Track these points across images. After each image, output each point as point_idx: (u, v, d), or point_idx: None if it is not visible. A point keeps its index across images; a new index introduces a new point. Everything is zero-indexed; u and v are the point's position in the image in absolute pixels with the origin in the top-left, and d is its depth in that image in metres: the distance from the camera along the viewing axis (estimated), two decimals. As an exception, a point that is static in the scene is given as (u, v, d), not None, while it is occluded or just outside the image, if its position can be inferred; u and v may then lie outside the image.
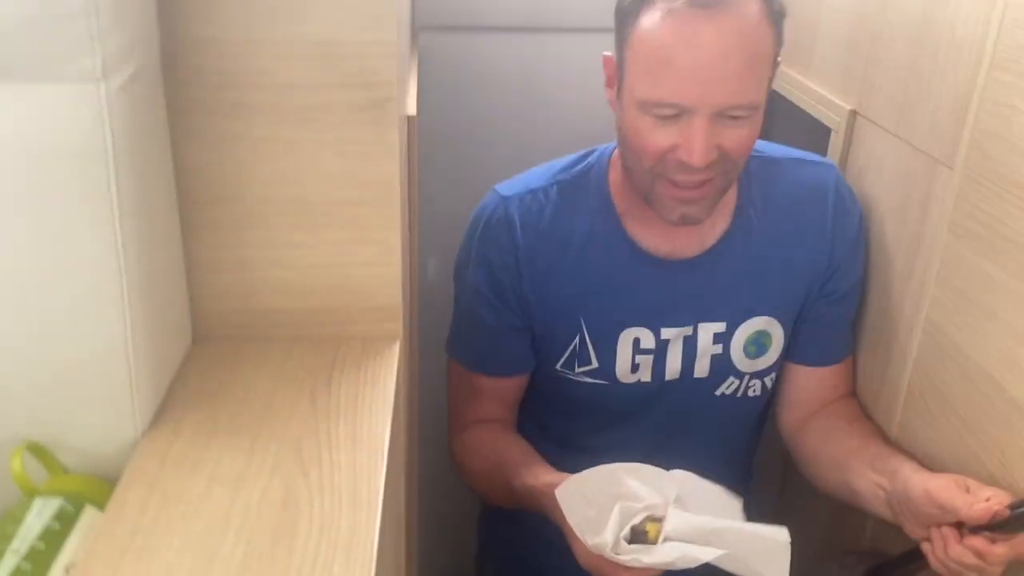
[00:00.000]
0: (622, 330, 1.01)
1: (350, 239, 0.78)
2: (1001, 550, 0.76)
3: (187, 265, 0.77)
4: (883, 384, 1.03)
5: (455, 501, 1.14)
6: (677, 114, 0.85)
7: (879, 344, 1.05)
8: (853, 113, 1.10)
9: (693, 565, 0.78)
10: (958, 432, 0.88)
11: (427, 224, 1.08)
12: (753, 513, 0.98)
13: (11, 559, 0.57)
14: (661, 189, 0.90)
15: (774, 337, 1.04)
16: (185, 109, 0.72)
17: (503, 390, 1.10)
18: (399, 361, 0.80)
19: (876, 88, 1.06)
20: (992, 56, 0.82)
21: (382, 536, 0.61)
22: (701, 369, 1.04)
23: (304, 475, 0.65)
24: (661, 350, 1.02)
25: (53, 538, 0.59)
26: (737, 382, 1.06)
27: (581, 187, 1.02)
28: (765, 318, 1.03)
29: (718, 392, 1.06)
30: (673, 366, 1.03)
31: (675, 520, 0.81)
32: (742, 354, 1.04)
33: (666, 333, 1.01)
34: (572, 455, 0.91)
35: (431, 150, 1.38)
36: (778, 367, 1.08)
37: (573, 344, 1.02)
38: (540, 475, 0.94)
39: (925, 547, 0.83)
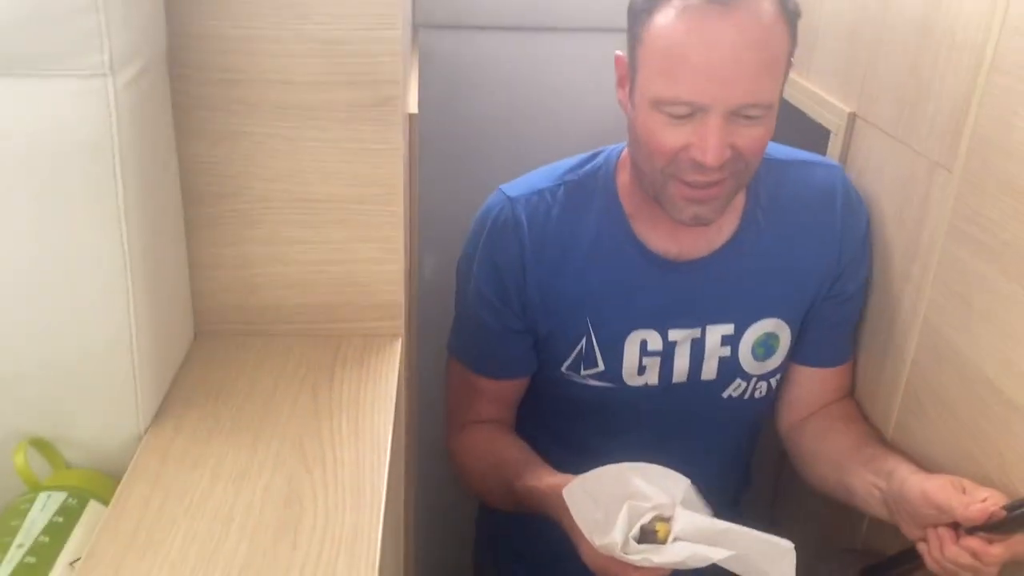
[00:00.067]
0: (629, 332, 1.00)
1: (352, 237, 0.79)
2: (997, 551, 0.76)
3: (189, 260, 0.77)
4: (880, 385, 1.04)
5: (453, 497, 1.14)
6: (691, 113, 0.84)
7: (876, 345, 1.05)
8: (852, 116, 1.11)
9: (703, 564, 0.78)
10: (955, 433, 0.88)
11: (425, 221, 1.07)
12: (749, 514, 0.99)
13: (15, 554, 0.57)
14: (673, 190, 0.89)
15: (782, 339, 1.04)
16: (189, 105, 0.72)
17: (503, 391, 1.09)
18: (400, 358, 0.81)
19: (876, 91, 1.06)
20: (992, 61, 0.82)
21: (384, 533, 0.61)
22: (709, 371, 1.03)
23: (307, 471, 0.65)
24: (668, 352, 1.02)
25: (57, 533, 0.59)
26: (744, 384, 1.05)
27: (589, 188, 1.01)
28: (774, 320, 1.03)
29: (725, 394, 1.06)
30: (680, 368, 1.03)
31: (683, 520, 0.80)
32: (750, 356, 1.04)
33: (674, 335, 1.01)
34: (576, 456, 0.90)
35: (430, 147, 1.38)
36: (784, 368, 1.08)
37: (579, 346, 1.02)
38: (543, 476, 0.94)
39: (921, 547, 0.84)
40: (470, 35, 1.38)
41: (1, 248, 0.60)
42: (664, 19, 0.83)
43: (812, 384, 1.08)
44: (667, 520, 0.80)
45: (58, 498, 0.62)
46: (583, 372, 1.03)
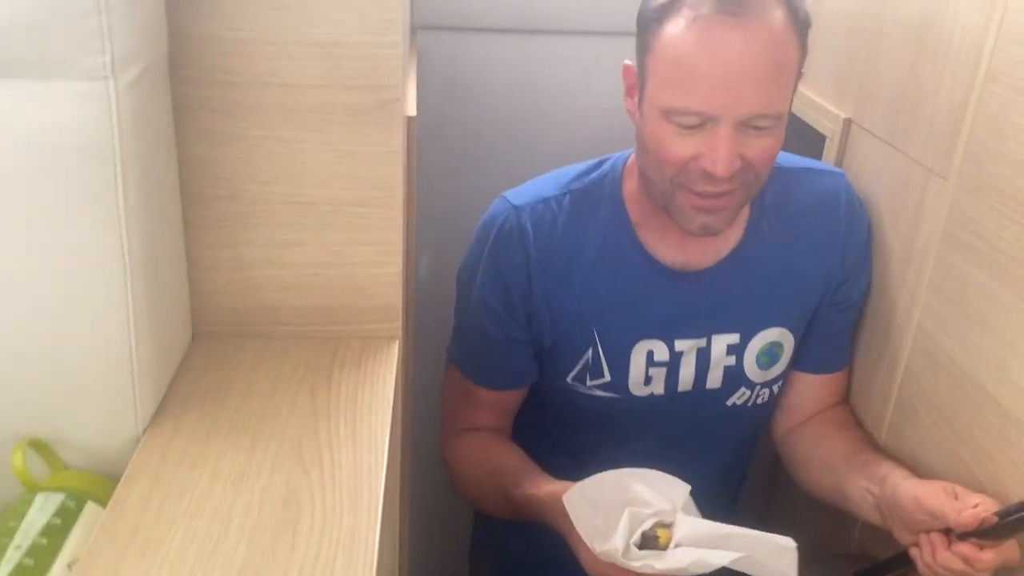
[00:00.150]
0: (636, 343, 1.00)
1: (351, 239, 0.79)
2: (989, 556, 0.77)
3: (189, 261, 0.78)
4: (873, 390, 1.05)
5: (449, 499, 1.13)
6: (701, 123, 0.84)
7: (870, 350, 1.06)
8: (848, 121, 1.11)
9: (706, 570, 0.77)
10: (947, 439, 0.89)
11: (421, 222, 1.07)
12: (743, 517, 0.99)
13: (13, 555, 0.57)
14: (682, 199, 0.89)
15: (786, 347, 1.04)
16: (188, 107, 0.72)
17: (502, 401, 1.08)
18: (397, 361, 0.81)
19: (871, 97, 1.07)
20: (988, 69, 0.83)
21: (381, 535, 0.62)
22: (714, 380, 1.03)
23: (305, 473, 0.66)
24: (675, 362, 1.01)
25: (55, 534, 0.59)
26: (748, 392, 1.05)
27: (595, 196, 0.99)
28: (779, 329, 1.03)
29: (729, 402, 1.06)
30: (686, 378, 1.03)
31: (685, 525, 0.80)
32: (754, 365, 1.04)
33: (680, 345, 1.00)
34: (578, 463, 0.89)
35: (427, 149, 1.38)
36: (786, 375, 1.08)
37: (586, 357, 1.01)
38: (541, 484, 0.93)
39: (913, 552, 0.84)
40: (468, 37, 1.38)
41: (1, 249, 0.60)
42: (675, 29, 0.83)
43: (810, 390, 1.08)
44: (668, 526, 0.80)
45: (56, 499, 0.62)
46: (589, 383, 1.02)
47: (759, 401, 1.07)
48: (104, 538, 0.58)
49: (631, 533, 0.79)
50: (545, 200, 0.99)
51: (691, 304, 0.99)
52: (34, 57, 0.56)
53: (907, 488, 0.85)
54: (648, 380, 1.01)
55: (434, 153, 1.38)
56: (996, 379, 0.82)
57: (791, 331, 1.03)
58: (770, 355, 1.04)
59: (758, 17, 0.81)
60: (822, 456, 1.04)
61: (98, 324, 0.64)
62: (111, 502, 0.61)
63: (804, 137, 1.20)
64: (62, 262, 0.62)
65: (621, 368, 1.01)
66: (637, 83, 0.91)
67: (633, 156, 0.99)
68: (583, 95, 1.42)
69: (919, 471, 0.92)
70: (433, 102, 1.35)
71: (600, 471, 0.84)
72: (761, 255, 1.00)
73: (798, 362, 1.07)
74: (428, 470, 1.24)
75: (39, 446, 0.66)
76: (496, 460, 1.03)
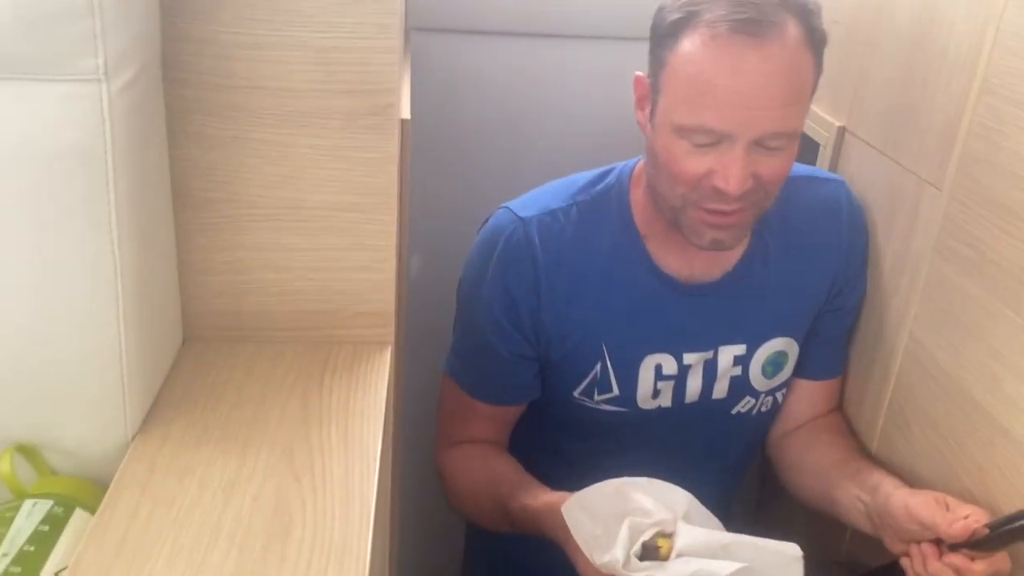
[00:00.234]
0: (644, 357, 0.99)
1: (345, 244, 0.78)
2: (980, 568, 0.77)
3: (180, 265, 0.77)
4: (865, 398, 1.05)
5: (441, 507, 1.13)
6: (715, 142, 0.83)
7: (862, 359, 1.06)
8: (842, 130, 1.11)
9: None
10: (938, 449, 0.89)
11: (413, 227, 1.06)
12: (732, 525, 0.99)
13: (0, 562, 0.56)
14: (693, 215, 0.88)
15: (790, 355, 1.04)
16: (183, 109, 0.72)
17: (501, 415, 1.07)
18: (390, 367, 0.80)
19: (866, 106, 1.07)
20: (983, 81, 0.83)
21: (373, 545, 0.61)
22: (720, 391, 1.03)
23: (296, 481, 0.65)
24: (682, 375, 1.01)
25: (43, 542, 0.58)
26: (753, 401, 1.05)
27: (602, 207, 0.97)
28: (784, 338, 1.03)
29: (734, 411, 1.05)
30: (693, 389, 1.02)
31: (686, 535, 0.77)
32: (760, 374, 1.03)
33: (688, 358, 1.00)
34: (578, 474, 0.87)
35: (420, 152, 1.37)
36: (789, 382, 1.08)
37: (594, 372, 0.99)
38: (538, 495, 0.92)
39: (904, 562, 0.84)
40: (463, 39, 1.37)
41: (-10, 252, 0.60)
42: (691, 46, 0.82)
43: (804, 396, 1.09)
44: (669, 536, 0.78)
45: (44, 506, 0.61)
46: (597, 397, 1.01)
47: (763, 409, 1.07)
48: (92, 546, 0.58)
49: (631, 543, 0.77)
50: (552, 212, 0.97)
51: (699, 317, 0.99)
52: (25, 59, 0.56)
53: (898, 498, 0.85)
54: (656, 394, 1.01)
55: (427, 156, 1.37)
56: (987, 390, 0.82)
57: (795, 339, 1.04)
58: (775, 364, 1.04)
59: (776, 37, 0.81)
60: (814, 462, 1.04)
61: (87, 327, 0.63)
62: (99, 510, 0.60)
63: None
64: (52, 265, 0.61)
65: (630, 382, 1.00)
66: (649, 95, 0.90)
67: (639, 165, 0.99)
68: (579, 99, 1.42)
69: (909, 480, 0.92)
70: (427, 104, 1.34)
71: (598, 481, 0.83)
72: (766, 265, 1.00)
73: (794, 368, 1.07)
74: (419, 477, 1.23)
75: (27, 451, 0.65)
76: (492, 471, 1.02)
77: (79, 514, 0.61)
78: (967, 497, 0.83)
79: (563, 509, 0.81)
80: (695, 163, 0.85)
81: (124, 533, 0.59)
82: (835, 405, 1.10)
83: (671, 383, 1.00)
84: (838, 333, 1.06)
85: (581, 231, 0.97)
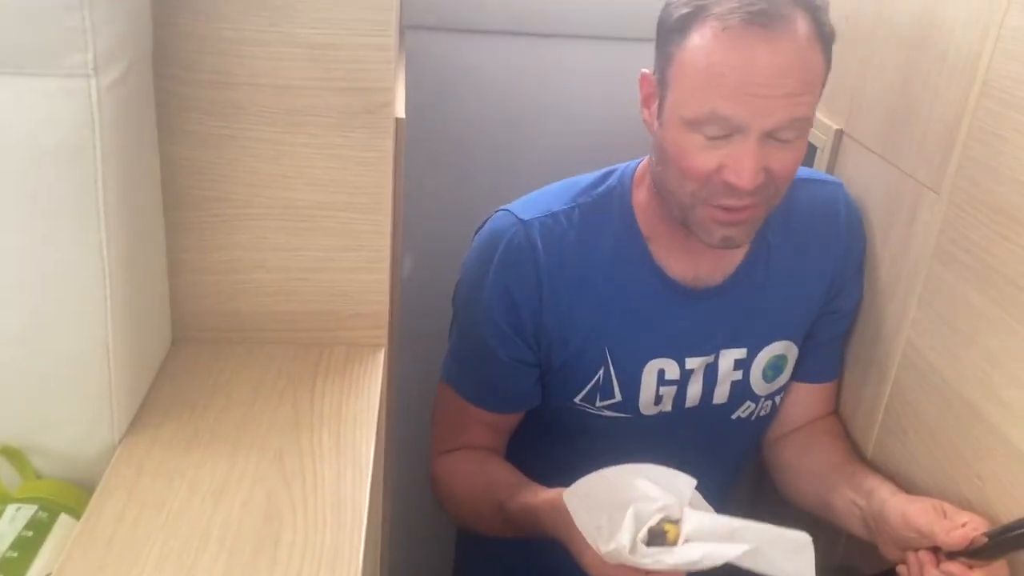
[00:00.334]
0: (647, 362, 0.97)
1: (338, 244, 0.77)
2: None
3: (171, 265, 0.76)
4: (861, 403, 1.04)
5: (433, 512, 1.11)
6: (726, 135, 0.83)
7: (859, 363, 1.06)
8: (839, 132, 1.11)
9: (718, 563, 0.74)
10: (934, 455, 0.89)
11: (407, 227, 1.04)
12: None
13: (-18, 569, 0.55)
14: (703, 213, 0.87)
15: (790, 359, 1.04)
16: (174, 106, 0.71)
17: (500, 423, 1.04)
18: (383, 369, 0.79)
19: (864, 109, 1.06)
20: (983, 85, 0.82)
21: (365, 551, 0.60)
22: (720, 395, 1.02)
23: (287, 486, 0.64)
24: (684, 380, 1.00)
25: (26, 547, 0.57)
26: (753, 405, 1.04)
27: (604, 209, 0.96)
28: (784, 342, 1.02)
29: (734, 416, 1.04)
30: (694, 394, 1.01)
31: (693, 520, 0.75)
32: (760, 378, 1.03)
33: (690, 363, 0.99)
34: (575, 479, 0.87)
35: (414, 151, 1.36)
36: (788, 386, 1.07)
37: (596, 377, 0.98)
38: (538, 493, 0.89)
39: (901, 570, 0.84)
40: (458, 38, 1.36)
41: (-26, 250, 0.59)
42: (701, 39, 0.81)
43: (800, 399, 1.08)
44: (675, 522, 0.76)
45: (28, 511, 0.60)
46: (599, 403, 0.99)
47: (762, 413, 1.06)
48: (78, 552, 0.56)
49: (637, 530, 0.75)
50: (554, 214, 0.96)
51: (701, 321, 0.98)
52: (13, 53, 0.54)
53: (895, 504, 0.85)
54: (658, 399, 1.00)
55: (421, 156, 1.36)
56: (984, 396, 0.81)
57: (794, 342, 1.03)
58: (775, 368, 1.03)
59: (786, 30, 0.80)
60: (809, 465, 1.04)
61: (74, 327, 0.62)
62: (85, 514, 0.59)
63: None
64: (38, 264, 0.60)
65: (632, 388, 0.98)
66: (656, 92, 0.89)
67: (641, 166, 0.98)
68: (575, 99, 1.41)
69: (906, 486, 0.92)
70: (421, 103, 1.33)
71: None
72: (767, 268, 0.99)
73: (793, 372, 1.06)
74: (412, 482, 1.21)
75: (11, 454, 0.64)
76: (489, 475, 1.00)
77: (64, 519, 0.60)
78: (964, 504, 0.82)
79: (565, 497, 0.79)
80: (705, 158, 0.84)
81: (111, 538, 0.58)
82: (831, 408, 1.09)
83: (673, 388, 1.00)
84: (834, 336, 1.06)
85: (583, 233, 0.95)
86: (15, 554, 0.57)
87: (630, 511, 0.75)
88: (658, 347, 0.97)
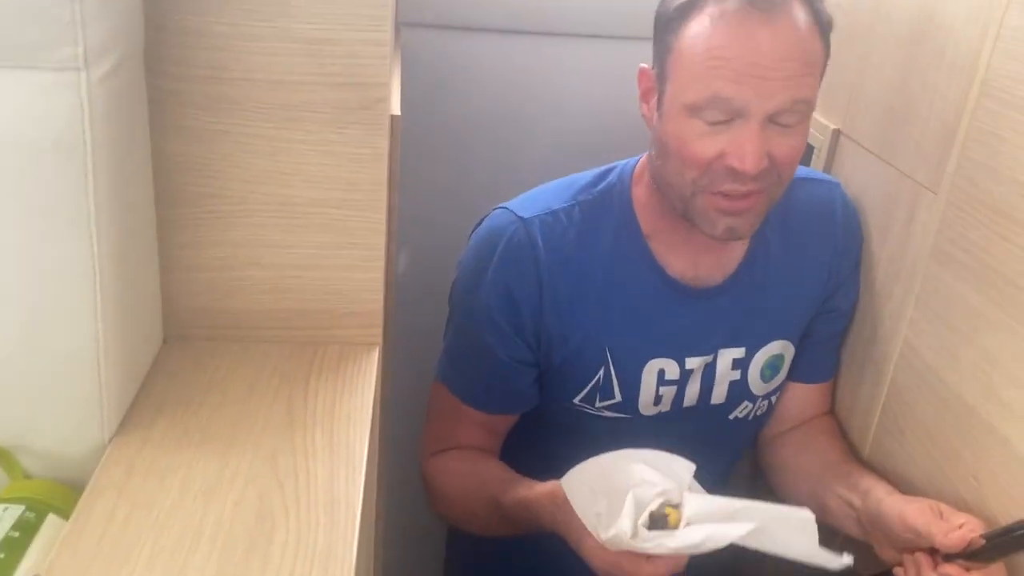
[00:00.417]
0: (647, 361, 0.97)
1: (333, 242, 0.76)
2: (974, 578, 0.77)
3: (164, 261, 0.75)
4: (858, 403, 1.04)
5: (426, 512, 1.11)
6: (727, 120, 0.82)
7: (855, 363, 1.05)
8: (837, 132, 1.11)
9: (722, 544, 0.72)
10: (931, 455, 0.89)
11: (401, 222, 1.04)
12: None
13: (-31, 569, 0.54)
14: (705, 202, 0.86)
15: (786, 358, 1.04)
16: (166, 101, 0.70)
17: (494, 424, 1.03)
18: (378, 368, 0.79)
19: (861, 108, 1.06)
20: (982, 84, 0.82)
21: (358, 551, 0.59)
22: (718, 396, 1.01)
23: (279, 485, 0.63)
24: (684, 380, 0.99)
25: (14, 548, 0.56)
26: (750, 405, 1.04)
27: (605, 207, 0.95)
28: (782, 342, 1.02)
29: (731, 416, 1.04)
30: (692, 393, 1.01)
31: (694, 503, 0.74)
32: (758, 378, 1.02)
33: (690, 363, 0.98)
34: None
35: (409, 148, 1.35)
36: (783, 385, 1.07)
37: (596, 377, 0.97)
38: (533, 486, 0.88)
39: (898, 572, 0.83)
40: (454, 35, 1.36)
41: (-37, 246, 0.58)
42: (700, 26, 0.82)
43: (796, 399, 1.08)
44: (676, 506, 0.74)
45: (15, 511, 0.59)
46: (598, 403, 0.99)
47: (758, 413, 1.06)
48: (66, 553, 0.55)
49: (638, 515, 0.74)
50: (554, 212, 0.95)
51: (701, 321, 0.97)
52: (1, 46, 0.53)
53: (891, 504, 0.84)
54: (658, 399, 0.99)
55: (417, 153, 1.35)
56: (983, 396, 0.81)
57: (792, 342, 1.03)
58: (773, 368, 1.03)
59: (785, 13, 0.81)
60: (805, 465, 1.03)
61: (64, 325, 0.61)
62: (74, 514, 0.58)
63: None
64: (27, 260, 0.59)
65: (632, 388, 0.98)
66: (655, 87, 0.89)
67: (639, 164, 0.97)
68: (571, 98, 1.41)
69: (902, 487, 0.91)
70: (417, 101, 1.33)
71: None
72: (766, 267, 0.99)
73: (790, 372, 1.06)
74: (406, 481, 1.21)
75: (-1, 453, 0.63)
76: (483, 473, 0.99)
77: (52, 519, 0.59)
78: (961, 505, 0.82)
79: (563, 483, 0.78)
80: (707, 145, 0.83)
81: (100, 538, 0.57)
82: (827, 408, 1.09)
83: (673, 388, 0.99)
84: (830, 336, 1.05)
85: (584, 231, 0.94)
86: (2, 555, 0.56)
87: (629, 496, 0.74)
88: (658, 347, 0.97)
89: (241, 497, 0.62)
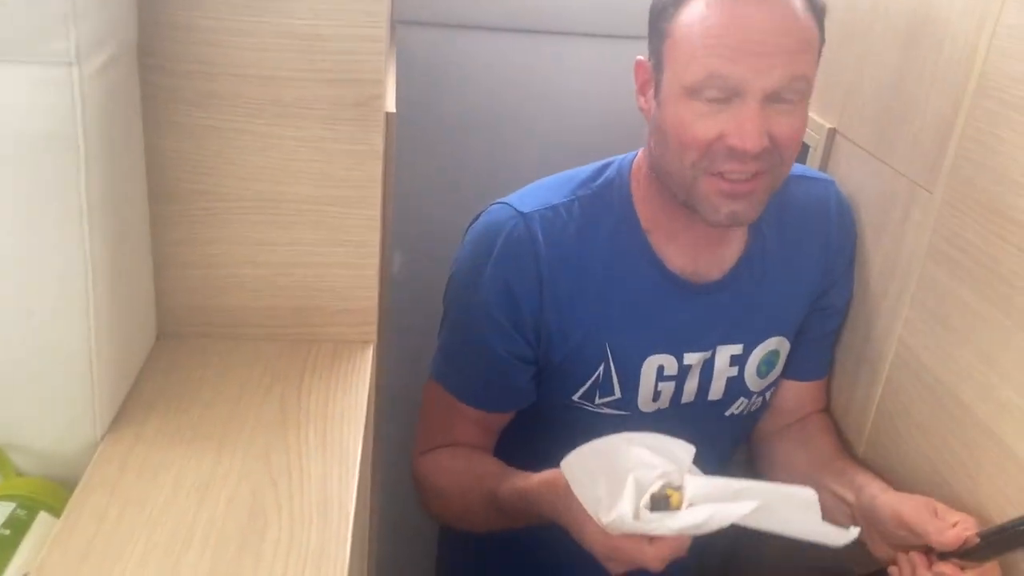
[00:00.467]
0: (646, 357, 0.96)
1: (327, 239, 0.76)
2: (969, 578, 0.77)
3: (155, 259, 0.74)
4: (853, 403, 1.04)
5: (420, 509, 1.10)
6: (727, 98, 0.82)
7: (850, 362, 1.05)
8: (832, 131, 1.10)
9: (726, 524, 0.71)
10: (926, 455, 0.89)
11: (395, 220, 1.03)
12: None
13: (-42, 567, 0.54)
14: (706, 186, 0.85)
15: (782, 354, 1.04)
16: (159, 97, 0.69)
17: (489, 422, 1.02)
18: (372, 366, 0.78)
19: (857, 107, 1.06)
20: (978, 83, 0.82)
21: (351, 550, 0.59)
22: (716, 392, 1.01)
23: (272, 483, 0.63)
24: (682, 376, 0.99)
25: (4, 546, 0.56)
26: (746, 401, 1.04)
27: (604, 202, 0.95)
28: (778, 338, 1.02)
29: (727, 413, 1.04)
30: (690, 389, 1.00)
31: (696, 485, 0.73)
32: (755, 374, 1.02)
33: (688, 359, 0.98)
34: None
35: (404, 146, 1.35)
36: (778, 381, 1.07)
37: (596, 374, 0.96)
38: (530, 476, 0.87)
39: (892, 571, 0.83)
40: (449, 33, 1.36)
41: (-47, 242, 0.57)
42: (695, 10, 0.83)
43: (790, 396, 1.08)
44: (677, 488, 0.73)
45: (5, 509, 0.58)
46: (598, 400, 0.98)
47: (753, 409, 1.06)
48: (57, 551, 0.55)
49: (639, 497, 0.72)
50: (554, 207, 0.94)
51: (700, 317, 0.97)
52: (-7, 39, 0.53)
53: (886, 502, 0.84)
54: (656, 395, 0.99)
55: (411, 151, 1.35)
56: (977, 395, 0.81)
57: (787, 338, 1.03)
58: (768, 364, 1.02)
59: None
60: (798, 461, 1.04)
61: (56, 322, 0.61)
62: (65, 512, 0.58)
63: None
64: (18, 256, 0.59)
65: (631, 384, 0.97)
66: (651, 77, 0.89)
67: (637, 159, 0.97)
68: (567, 97, 1.41)
69: (897, 485, 0.91)
70: (412, 99, 1.32)
71: None
72: (764, 263, 0.99)
73: (784, 369, 1.06)
74: (400, 480, 1.20)
75: (-10, 450, 0.63)
76: (477, 468, 0.98)
77: (43, 517, 0.59)
78: (956, 503, 0.82)
79: (562, 467, 0.76)
80: (706, 126, 0.83)
81: (92, 536, 0.57)
82: (822, 405, 1.09)
83: (671, 384, 0.98)
84: (825, 334, 1.05)
85: (584, 227, 0.94)
86: (-7, 552, 0.55)
87: (630, 479, 0.73)
88: (657, 342, 0.96)
89: (234, 495, 0.61)
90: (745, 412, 1.05)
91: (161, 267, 0.75)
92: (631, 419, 0.99)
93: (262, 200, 0.74)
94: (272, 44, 0.68)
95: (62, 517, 0.58)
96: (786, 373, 1.06)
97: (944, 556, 0.78)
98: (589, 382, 0.97)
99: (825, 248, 1.01)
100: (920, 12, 0.93)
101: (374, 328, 0.80)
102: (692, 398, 1.00)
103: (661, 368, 0.97)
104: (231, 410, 0.70)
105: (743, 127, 0.81)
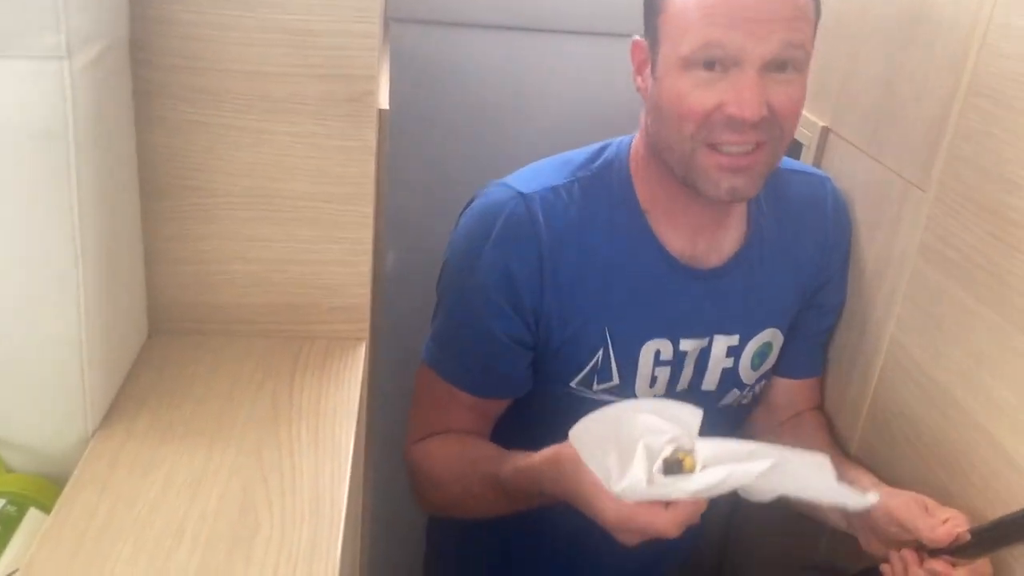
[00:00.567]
0: (645, 342, 0.94)
1: (319, 236, 0.76)
2: (961, 574, 0.76)
3: (146, 255, 0.74)
4: (846, 401, 1.04)
5: (413, 506, 1.10)
6: (724, 68, 0.82)
7: (843, 360, 1.06)
8: (826, 130, 1.11)
9: (743, 483, 0.70)
10: (918, 452, 0.89)
11: (388, 217, 1.03)
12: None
13: (-53, 564, 0.53)
14: (706, 160, 0.84)
15: (775, 346, 1.03)
16: (150, 92, 0.69)
17: (484, 408, 0.99)
18: (364, 363, 0.78)
19: (850, 105, 1.06)
20: (971, 82, 0.82)
21: (343, 547, 0.59)
22: (710, 382, 1.01)
23: (264, 480, 0.63)
24: (678, 362, 0.98)
25: (-7, 542, 0.56)
26: (739, 393, 1.04)
27: (604, 183, 0.93)
28: (772, 329, 1.02)
29: (720, 404, 1.03)
30: (685, 377, 1.00)
31: (708, 447, 0.71)
32: (749, 366, 1.02)
33: (685, 345, 0.97)
34: None
35: (396, 143, 1.35)
36: (769, 374, 1.07)
37: (595, 359, 0.94)
38: (532, 455, 0.85)
39: (884, 569, 0.83)
40: (443, 31, 1.35)
41: (-58, 237, 0.57)
42: None
43: (784, 394, 1.08)
44: (689, 452, 0.71)
45: (-4, 505, 0.58)
46: (596, 387, 0.97)
47: (744, 402, 1.05)
48: (47, 547, 0.55)
49: (651, 463, 0.71)
50: (554, 188, 0.93)
51: (699, 302, 0.96)
52: (-18, 33, 0.53)
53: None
54: (653, 381, 0.98)
55: (404, 148, 1.35)
56: (969, 393, 0.81)
57: (781, 331, 1.02)
58: (761, 355, 1.02)
59: None
60: None
61: (46, 317, 0.61)
62: (55, 508, 0.58)
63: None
64: (8, 251, 0.58)
65: (629, 370, 0.96)
66: (648, 56, 0.88)
67: (635, 141, 0.96)
68: (560, 94, 1.41)
69: (890, 483, 0.91)
70: (405, 96, 1.32)
71: None
72: (762, 254, 0.98)
73: (775, 366, 1.06)
74: (392, 476, 1.20)
75: (-21, 447, 0.62)
76: (473, 452, 0.97)
77: (33, 513, 0.59)
78: (948, 501, 0.82)
79: (571, 435, 0.74)
80: (704, 96, 0.82)
81: (82, 532, 0.56)
82: (815, 404, 1.09)
83: (667, 369, 0.98)
84: (818, 332, 1.05)
85: (584, 209, 0.92)
86: (-18, 549, 0.55)
87: (640, 445, 0.71)
88: (656, 326, 0.95)
89: (225, 491, 0.61)
90: (736, 405, 1.05)
91: (153, 263, 0.75)
92: None
93: (253, 196, 0.74)
94: (262, 39, 0.68)
95: (52, 513, 0.57)
96: (780, 371, 1.06)
97: (935, 553, 0.78)
98: (588, 367, 0.96)
99: (821, 243, 1.01)
100: (913, 10, 0.93)
101: (367, 325, 0.80)
102: (686, 386, 1.00)
103: (658, 352, 0.96)
104: (223, 406, 0.69)
105: (742, 95, 0.81)
